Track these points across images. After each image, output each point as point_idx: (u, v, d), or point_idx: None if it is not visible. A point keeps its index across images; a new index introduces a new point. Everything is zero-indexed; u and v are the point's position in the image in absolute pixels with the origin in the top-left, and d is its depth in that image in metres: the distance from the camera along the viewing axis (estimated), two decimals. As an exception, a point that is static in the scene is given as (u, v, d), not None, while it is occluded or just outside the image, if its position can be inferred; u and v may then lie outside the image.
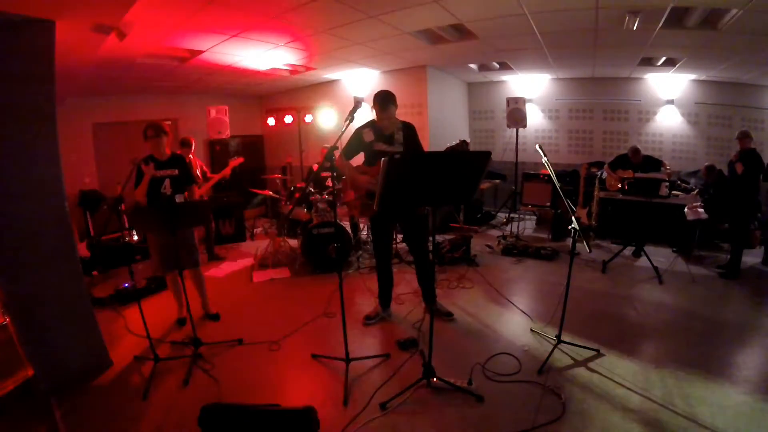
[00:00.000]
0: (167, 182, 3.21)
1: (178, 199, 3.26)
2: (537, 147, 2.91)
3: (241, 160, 5.13)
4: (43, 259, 2.50)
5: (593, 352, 2.79)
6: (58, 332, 2.59)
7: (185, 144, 4.93)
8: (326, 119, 6.93)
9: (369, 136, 3.01)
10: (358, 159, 3.14)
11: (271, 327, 3.32)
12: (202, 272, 3.53)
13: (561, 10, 3.67)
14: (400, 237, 5.23)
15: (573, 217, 2.61)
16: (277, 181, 6.64)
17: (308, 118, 7.02)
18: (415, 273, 3.41)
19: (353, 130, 3.06)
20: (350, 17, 3.79)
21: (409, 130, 3.08)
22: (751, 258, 4.65)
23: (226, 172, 5.00)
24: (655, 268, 4.21)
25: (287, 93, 8.06)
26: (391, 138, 3.01)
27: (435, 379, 2.44)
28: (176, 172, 3.26)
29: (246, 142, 8.29)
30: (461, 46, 5.00)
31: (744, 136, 4.22)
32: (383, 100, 2.89)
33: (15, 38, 2.31)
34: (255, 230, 6.76)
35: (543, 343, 2.95)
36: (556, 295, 3.11)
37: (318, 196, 4.95)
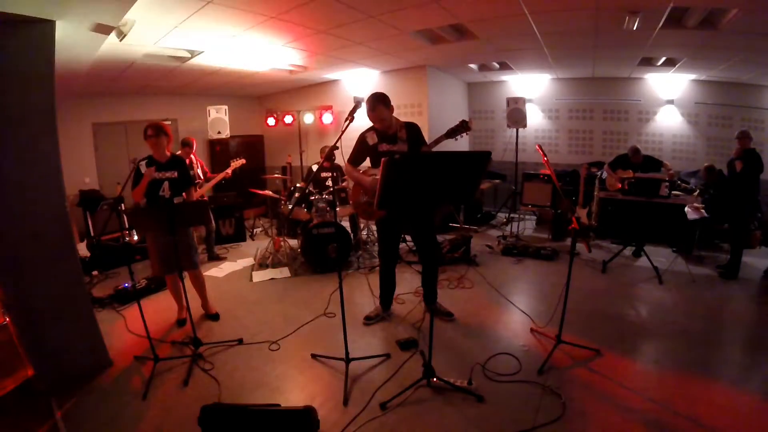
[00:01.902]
0: (166, 185, 3.19)
1: (177, 201, 3.25)
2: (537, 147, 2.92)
3: (242, 161, 5.13)
4: (43, 259, 2.49)
5: (593, 352, 2.79)
6: (58, 332, 2.59)
7: (186, 144, 4.92)
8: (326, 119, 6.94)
9: (372, 139, 3.02)
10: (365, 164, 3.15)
11: (271, 327, 3.33)
12: (202, 272, 3.53)
13: (561, 10, 3.67)
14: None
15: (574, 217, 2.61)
16: (277, 181, 6.63)
17: (308, 118, 7.03)
18: (420, 273, 3.41)
19: (357, 136, 3.07)
20: (350, 17, 3.79)
21: (412, 128, 3.08)
22: (751, 258, 4.65)
23: (228, 172, 5.00)
24: (655, 268, 4.21)
25: (287, 93, 8.06)
26: (394, 137, 3.01)
27: (435, 379, 2.44)
28: (175, 174, 3.24)
29: (246, 142, 8.29)
30: (461, 46, 5.00)
31: (744, 136, 4.22)
32: (369, 102, 2.91)
33: (15, 38, 2.31)
34: (255, 230, 6.76)
35: (543, 343, 2.95)
36: (556, 295, 3.10)
37: (318, 196, 4.95)
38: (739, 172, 4.22)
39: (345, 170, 3.11)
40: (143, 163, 3.13)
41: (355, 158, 3.10)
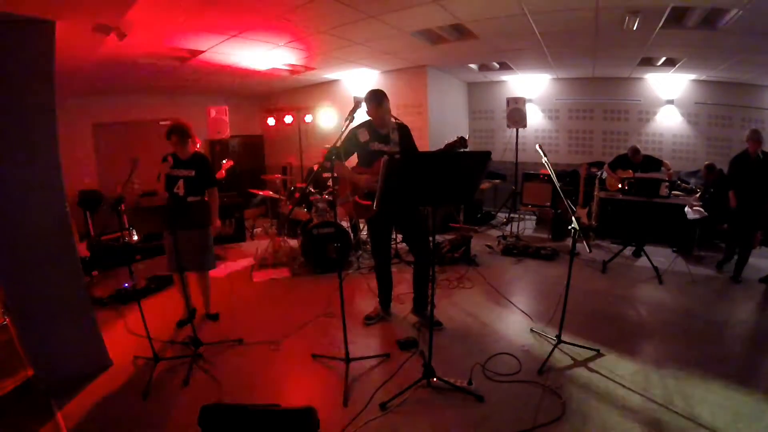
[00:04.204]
0: (181, 183, 3.19)
1: (192, 200, 3.22)
2: (537, 147, 2.91)
3: (231, 162, 5.12)
4: (43, 259, 2.50)
5: (593, 352, 2.79)
6: (58, 332, 2.59)
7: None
8: (327, 119, 6.94)
9: (364, 136, 2.99)
10: (352, 161, 3.13)
11: (271, 327, 3.32)
12: (209, 276, 3.52)
13: (561, 10, 3.67)
14: (400, 237, 5.24)
15: (573, 217, 2.61)
16: (277, 181, 6.64)
17: (308, 118, 7.03)
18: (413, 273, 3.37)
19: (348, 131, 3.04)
20: (350, 17, 3.79)
21: (403, 130, 3.07)
22: (751, 258, 4.62)
23: (222, 173, 5.00)
24: (655, 268, 4.21)
25: (287, 93, 8.06)
26: (387, 138, 3.00)
27: (435, 379, 2.44)
28: (192, 173, 3.22)
29: (246, 142, 8.29)
30: (461, 46, 5.00)
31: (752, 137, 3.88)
32: (377, 97, 2.89)
33: (15, 38, 2.31)
34: (255, 230, 6.76)
35: (543, 343, 2.95)
36: (556, 295, 3.11)
37: (318, 196, 4.95)
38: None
39: (336, 167, 2.97)
40: (169, 157, 3.16)
41: (344, 153, 3.03)
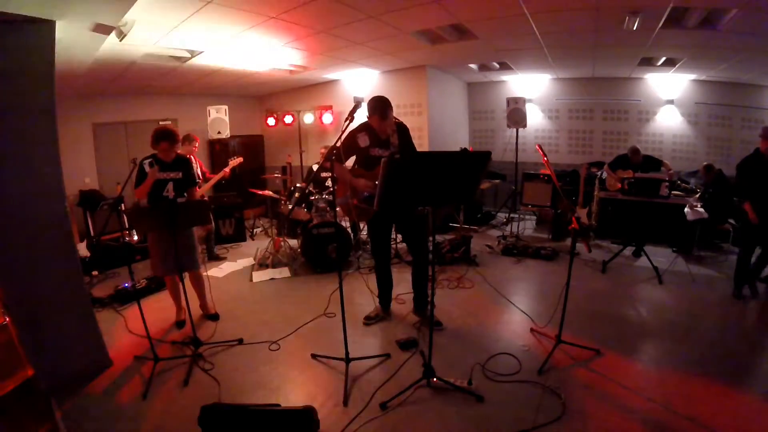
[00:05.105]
0: (170, 185, 3.18)
1: (181, 202, 3.22)
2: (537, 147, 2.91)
3: (240, 160, 5.11)
4: (43, 259, 2.49)
5: (593, 352, 2.79)
6: (58, 332, 2.59)
7: (189, 139, 4.80)
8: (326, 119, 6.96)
9: (364, 141, 2.98)
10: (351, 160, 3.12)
11: (271, 327, 3.32)
12: (202, 273, 3.53)
13: (561, 10, 3.67)
14: (400, 237, 5.25)
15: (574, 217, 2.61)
16: (277, 181, 6.63)
17: (308, 118, 7.03)
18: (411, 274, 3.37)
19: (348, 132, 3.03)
20: (350, 17, 3.79)
21: (403, 131, 3.07)
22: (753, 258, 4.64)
23: (226, 171, 4.97)
24: (655, 268, 4.21)
25: (287, 93, 8.06)
26: (387, 142, 2.99)
27: (435, 379, 2.44)
28: (180, 175, 3.22)
29: (246, 142, 8.29)
30: (461, 46, 5.00)
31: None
32: (383, 106, 2.85)
33: (15, 38, 2.31)
34: (255, 230, 6.76)
35: (543, 343, 2.95)
36: (556, 295, 3.11)
37: (318, 196, 4.95)
38: None
39: (335, 168, 2.97)
40: (147, 162, 3.11)
41: (344, 155, 3.00)
